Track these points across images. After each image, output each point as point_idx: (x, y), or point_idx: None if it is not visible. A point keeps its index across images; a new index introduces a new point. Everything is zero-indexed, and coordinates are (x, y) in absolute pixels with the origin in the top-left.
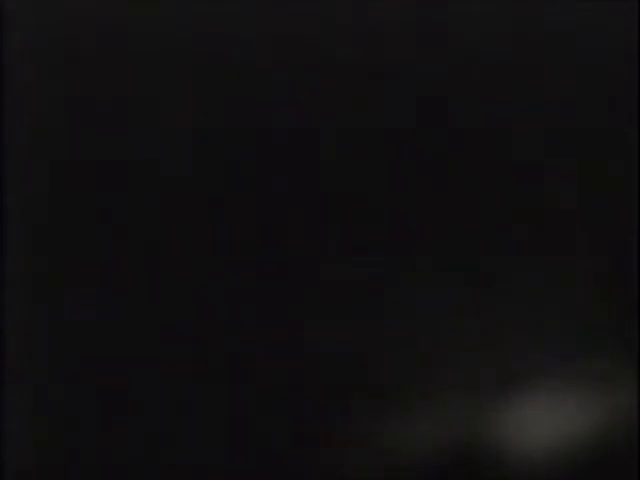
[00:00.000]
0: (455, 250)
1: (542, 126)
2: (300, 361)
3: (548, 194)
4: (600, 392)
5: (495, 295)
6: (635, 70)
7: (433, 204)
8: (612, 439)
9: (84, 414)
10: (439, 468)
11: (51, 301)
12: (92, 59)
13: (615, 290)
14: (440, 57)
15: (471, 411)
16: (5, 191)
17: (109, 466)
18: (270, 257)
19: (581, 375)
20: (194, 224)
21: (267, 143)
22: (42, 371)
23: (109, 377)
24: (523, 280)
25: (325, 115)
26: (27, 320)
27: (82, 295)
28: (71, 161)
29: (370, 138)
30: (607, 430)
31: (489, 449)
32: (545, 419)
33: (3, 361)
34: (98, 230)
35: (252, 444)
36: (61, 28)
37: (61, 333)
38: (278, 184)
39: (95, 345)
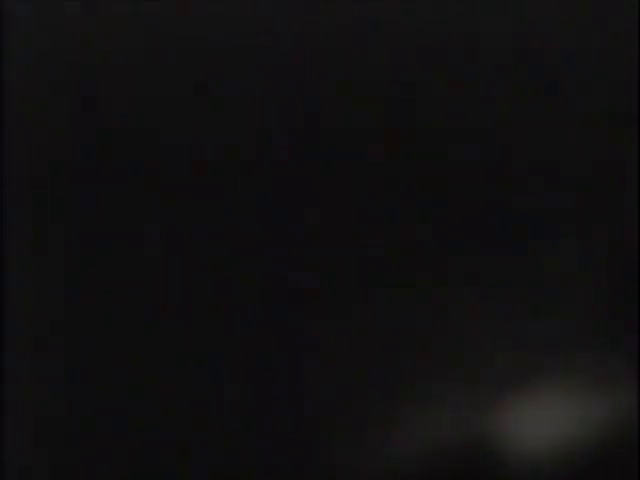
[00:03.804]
0: (455, 250)
1: (542, 126)
2: (299, 363)
3: (548, 195)
4: (600, 392)
5: (495, 295)
6: (635, 70)
7: (429, 204)
8: (612, 439)
9: (84, 415)
10: (439, 468)
11: (51, 301)
12: (91, 59)
13: (615, 291)
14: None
15: (471, 411)
16: (5, 191)
17: (110, 466)
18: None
19: (581, 375)
20: (200, 227)
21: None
22: (42, 372)
23: (109, 377)
24: (523, 280)
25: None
26: (27, 320)
27: (83, 294)
28: (72, 161)
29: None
30: (607, 430)
31: (489, 449)
32: (545, 419)
33: (3, 360)
34: (99, 233)
35: (252, 445)
36: (61, 28)
37: (61, 333)
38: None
39: (96, 345)
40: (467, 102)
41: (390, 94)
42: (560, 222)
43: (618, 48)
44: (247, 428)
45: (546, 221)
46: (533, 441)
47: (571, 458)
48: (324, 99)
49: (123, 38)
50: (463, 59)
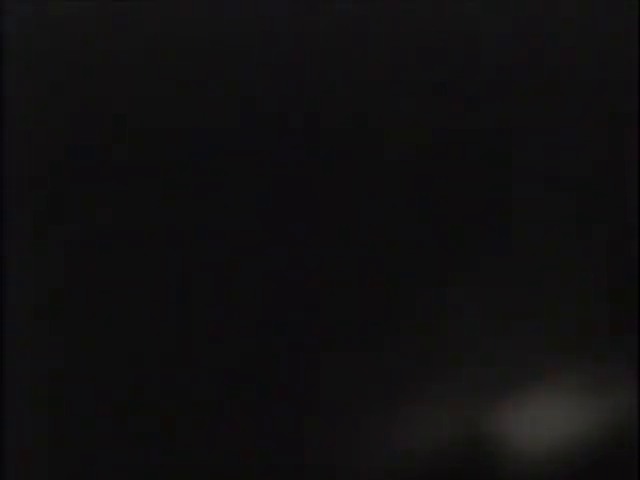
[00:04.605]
0: (456, 250)
1: (541, 126)
2: (298, 361)
3: (548, 196)
4: (600, 392)
5: (495, 295)
6: (635, 70)
7: (429, 203)
8: (612, 439)
9: (84, 414)
10: (439, 468)
11: (51, 300)
12: (91, 59)
13: (615, 291)
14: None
15: (471, 411)
16: (5, 191)
17: (109, 466)
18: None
19: (581, 375)
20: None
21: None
22: (42, 371)
23: (110, 377)
24: (523, 280)
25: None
26: (27, 320)
27: (83, 294)
28: (72, 161)
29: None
30: (607, 430)
31: (489, 449)
32: (545, 419)
33: (3, 362)
34: (100, 234)
35: (251, 445)
36: (61, 28)
37: (61, 333)
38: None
39: (96, 345)
40: (466, 102)
41: (390, 94)
42: (560, 222)
43: (618, 48)
44: (247, 428)
45: (546, 221)
46: (533, 441)
47: (571, 458)
48: (324, 99)
49: (123, 38)
50: (463, 59)
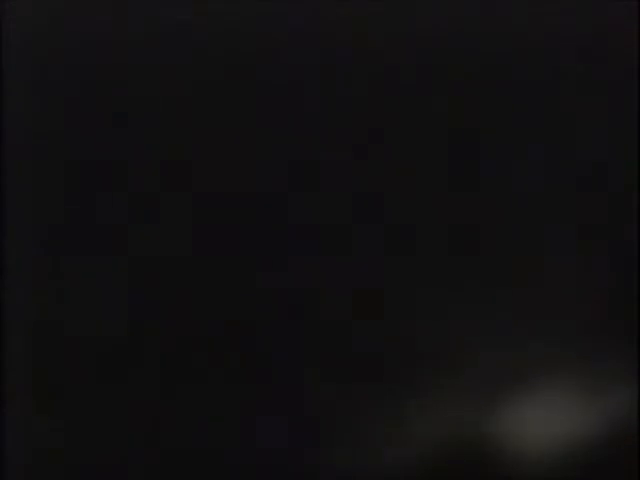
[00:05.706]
0: (455, 250)
1: (541, 125)
2: (299, 363)
3: (548, 195)
4: (600, 392)
5: (495, 295)
6: (635, 69)
7: (428, 204)
8: (612, 439)
9: (85, 414)
10: (439, 468)
11: (51, 298)
12: (91, 59)
13: (615, 290)
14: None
15: (471, 411)
16: (5, 191)
17: (109, 466)
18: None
19: (581, 375)
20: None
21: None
22: (43, 370)
23: (110, 376)
24: (523, 280)
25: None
26: (26, 320)
27: (82, 292)
28: (71, 161)
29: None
30: (607, 430)
31: (489, 449)
32: (545, 419)
33: (3, 362)
34: (100, 238)
35: (251, 445)
36: (61, 28)
37: (61, 333)
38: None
39: (96, 344)
40: (465, 102)
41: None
42: (561, 223)
43: (618, 49)
44: (246, 428)
45: (547, 221)
46: (533, 441)
47: (571, 458)
48: (324, 101)
49: (123, 38)
50: (460, 59)
